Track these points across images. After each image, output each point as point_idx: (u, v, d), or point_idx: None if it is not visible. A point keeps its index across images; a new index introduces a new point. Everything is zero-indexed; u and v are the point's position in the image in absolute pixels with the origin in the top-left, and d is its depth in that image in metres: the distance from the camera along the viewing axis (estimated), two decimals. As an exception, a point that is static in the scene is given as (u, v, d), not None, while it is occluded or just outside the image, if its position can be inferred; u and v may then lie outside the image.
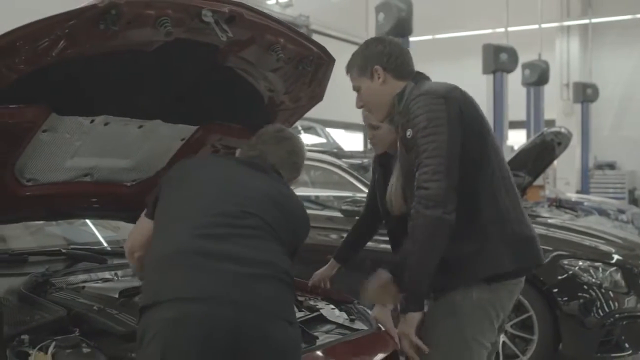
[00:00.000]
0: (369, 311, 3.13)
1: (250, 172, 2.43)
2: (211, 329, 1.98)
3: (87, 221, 3.79)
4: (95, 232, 3.79)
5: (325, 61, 2.97)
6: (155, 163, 3.19)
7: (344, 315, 3.05)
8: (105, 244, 3.67)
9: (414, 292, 2.42)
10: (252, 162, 2.51)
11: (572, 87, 16.82)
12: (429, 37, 16.94)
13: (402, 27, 8.79)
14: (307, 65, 2.90)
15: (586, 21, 17.44)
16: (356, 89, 2.75)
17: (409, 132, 2.46)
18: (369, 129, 3.14)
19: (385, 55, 2.65)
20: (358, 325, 2.95)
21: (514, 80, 13.22)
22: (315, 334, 2.73)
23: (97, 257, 3.27)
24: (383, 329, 2.93)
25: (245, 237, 2.18)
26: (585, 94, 16.15)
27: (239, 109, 3.11)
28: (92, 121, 2.71)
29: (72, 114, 2.62)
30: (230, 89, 2.96)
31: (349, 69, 2.76)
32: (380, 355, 2.75)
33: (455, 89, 2.54)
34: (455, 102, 2.46)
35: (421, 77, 2.66)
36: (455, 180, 2.37)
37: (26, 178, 2.82)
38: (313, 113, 3.48)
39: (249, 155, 2.59)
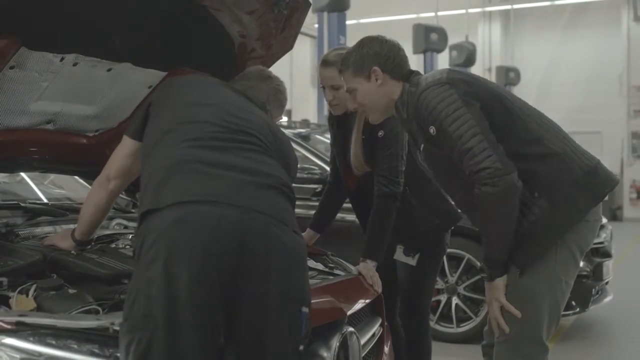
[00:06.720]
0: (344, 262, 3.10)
1: (245, 100, 2.37)
2: (217, 223, 1.87)
3: (25, 177, 3.62)
4: (34, 187, 3.61)
5: (301, 5, 2.91)
6: (120, 112, 3.07)
7: (320, 265, 3.01)
8: (45, 200, 3.49)
9: (496, 261, 2.38)
10: (245, 92, 2.44)
11: (494, 71, 17.21)
12: (354, 21, 16.97)
13: (339, 1, 8.75)
14: (283, 7, 2.83)
15: (508, 7, 17.87)
16: (350, 89, 2.63)
17: (432, 129, 2.37)
18: (329, 90, 3.08)
19: (383, 56, 2.55)
20: (338, 272, 2.91)
21: (442, 63, 13.38)
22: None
23: (57, 211, 3.10)
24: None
25: (245, 150, 2.11)
26: (508, 77, 16.55)
27: (208, 55, 3.00)
28: (62, 59, 2.56)
29: (42, 49, 2.46)
30: (201, 33, 2.86)
31: (343, 68, 2.63)
32: (371, 296, 2.72)
33: (451, 71, 2.47)
34: (459, 82, 2.39)
35: (414, 76, 2.57)
36: (501, 149, 2.30)
37: (-13, 122, 2.65)
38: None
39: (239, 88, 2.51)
